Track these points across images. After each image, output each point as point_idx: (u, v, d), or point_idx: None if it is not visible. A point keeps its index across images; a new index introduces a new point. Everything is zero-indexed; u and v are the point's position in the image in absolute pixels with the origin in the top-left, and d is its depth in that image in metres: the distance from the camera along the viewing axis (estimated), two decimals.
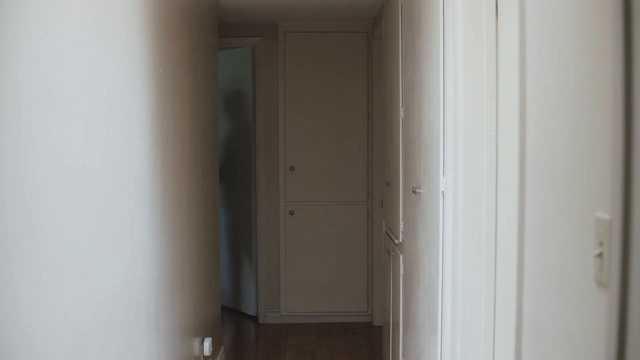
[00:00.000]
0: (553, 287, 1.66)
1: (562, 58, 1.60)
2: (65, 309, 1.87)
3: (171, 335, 3.24)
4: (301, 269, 6.21)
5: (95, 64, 2.14)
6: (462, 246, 2.69)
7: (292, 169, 6.17)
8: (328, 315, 6.20)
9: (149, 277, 2.83)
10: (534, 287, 1.81)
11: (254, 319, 6.30)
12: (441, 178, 2.85)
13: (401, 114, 3.83)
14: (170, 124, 3.25)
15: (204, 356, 4.16)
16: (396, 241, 4.02)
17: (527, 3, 1.86)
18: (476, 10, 2.61)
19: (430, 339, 3.01)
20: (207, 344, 4.15)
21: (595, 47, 1.41)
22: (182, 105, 3.55)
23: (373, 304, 6.11)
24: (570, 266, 1.55)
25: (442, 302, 2.85)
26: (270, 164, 6.19)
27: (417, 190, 3.31)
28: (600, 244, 1.36)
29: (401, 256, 3.85)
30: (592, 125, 1.42)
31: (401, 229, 3.82)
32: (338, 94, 6.14)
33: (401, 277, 3.84)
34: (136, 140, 2.64)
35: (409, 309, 3.59)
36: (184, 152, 3.60)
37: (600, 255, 1.36)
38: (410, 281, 3.57)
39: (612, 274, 1.30)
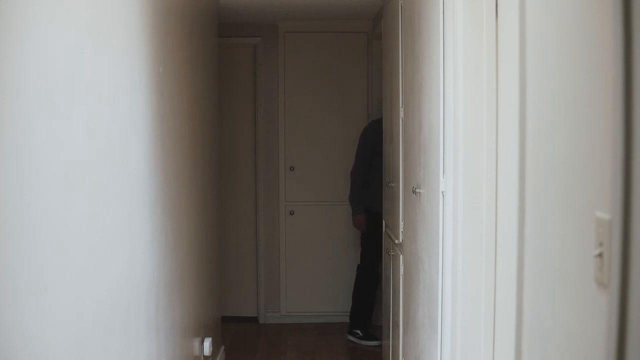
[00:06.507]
0: (553, 287, 1.66)
1: (562, 58, 1.60)
2: (65, 309, 1.87)
3: (171, 335, 3.24)
4: (301, 269, 6.21)
5: (95, 63, 2.14)
6: (462, 246, 2.69)
7: (292, 169, 6.16)
8: (328, 315, 6.20)
9: (148, 277, 2.83)
10: (534, 287, 1.81)
11: (254, 319, 6.29)
12: (441, 178, 2.85)
13: (401, 114, 3.83)
14: (170, 123, 3.25)
15: (204, 356, 4.16)
16: (396, 241, 4.02)
17: (527, 3, 1.86)
18: (476, 10, 2.62)
19: (430, 339, 3.01)
20: (207, 344, 4.15)
21: (595, 47, 1.41)
22: (182, 104, 3.55)
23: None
24: (570, 266, 1.55)
25: (442, 302, 2.85)
26: (270, 164, 6.18)
27: (417, 190, 3.31)
28: (600, 244, 1.36)
29: (401, 256, 3.85)
30: (592, 125, 1.42)
31: (401, 229, 3.82)
32: (338, 94, 6.14)
33: (401, 277, 3.84)
34: (136, 140, 2.64)
35: (409, 309, 3.59)
36: (184, 151, 3.60)
37: (600, 255, 1.36)
38: (410, 281, 3.57)
39: (612, 274, 1.30)
